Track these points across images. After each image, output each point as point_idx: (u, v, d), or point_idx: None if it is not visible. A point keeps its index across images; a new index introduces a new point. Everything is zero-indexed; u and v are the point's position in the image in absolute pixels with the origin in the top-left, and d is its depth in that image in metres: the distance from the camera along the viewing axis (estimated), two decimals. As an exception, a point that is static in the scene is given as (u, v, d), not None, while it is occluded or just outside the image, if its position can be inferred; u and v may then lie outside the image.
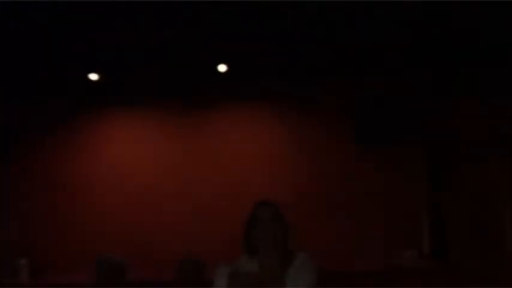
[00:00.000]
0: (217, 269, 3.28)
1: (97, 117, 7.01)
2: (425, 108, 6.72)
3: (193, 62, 6.52)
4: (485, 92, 6.48)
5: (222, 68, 6.71)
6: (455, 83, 6.56)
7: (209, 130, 7.04)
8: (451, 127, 6.69)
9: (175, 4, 5.35)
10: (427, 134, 6.81)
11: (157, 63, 6.55)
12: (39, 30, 5.61)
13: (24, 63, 6.31)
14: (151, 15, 5.54)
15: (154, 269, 6.26)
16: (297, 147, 7.04)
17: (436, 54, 6.46)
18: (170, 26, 5.75)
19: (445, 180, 6.74)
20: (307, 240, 4.24)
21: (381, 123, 6.65)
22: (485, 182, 6.44)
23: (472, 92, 6.56)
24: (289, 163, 7.03)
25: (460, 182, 6.62)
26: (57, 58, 6.29)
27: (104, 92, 6.86)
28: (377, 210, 6.91)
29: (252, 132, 6.99)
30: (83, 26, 5.66)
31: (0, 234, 6.65)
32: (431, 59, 6.51)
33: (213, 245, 6.26)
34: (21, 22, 5.39)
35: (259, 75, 6.72)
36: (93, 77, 6.73)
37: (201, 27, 5.75)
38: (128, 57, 6.34)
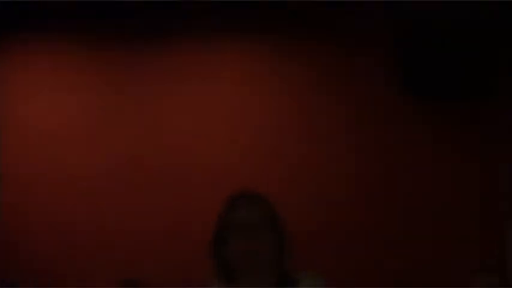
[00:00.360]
0: None
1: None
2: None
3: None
4: None
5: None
6: None
7: (169, 74, 5.80)
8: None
9: None
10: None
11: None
12: None
13: None
14: None
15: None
16: (310, 101, 5.74)
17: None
18: None
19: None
20: (320, 257, 4.60)
21: (442, 65, 5.21)
22: None
23: None
24: (297, 128, 5.76)
25: None
26: None
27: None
28: (433, 207, 5.56)
29: (244, 79, 5.77)
30: None
31: None
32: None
33: (166, 265, 5.28)
34: None
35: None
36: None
37: None
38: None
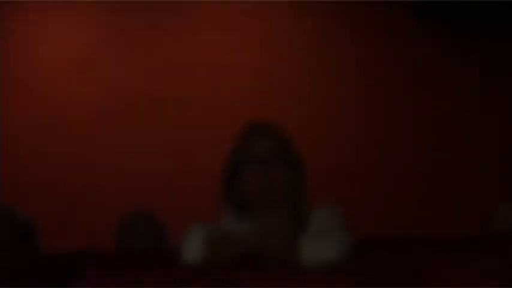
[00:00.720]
0: (189, 229, 2.31)
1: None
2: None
3: None
4: None
5: None
6: None
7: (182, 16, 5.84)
8: None
9: None
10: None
11: None
12: None
13: None
14: None
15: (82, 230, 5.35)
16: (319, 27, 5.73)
17: None
18: None
19: None
20: (338, 193, 4.62)
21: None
22: None
23: None
24: (307, 58, 5.74)
25: None
26: None
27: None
28: (454, 138, 5.62)
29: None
30: None
31: None
32: None
33: (177, 197, 5.39)
34: None
35: None
36: None
37: None
38: None
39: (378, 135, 5.69)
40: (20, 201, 5.14)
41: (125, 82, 5.77)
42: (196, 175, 5.38)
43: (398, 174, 5.61)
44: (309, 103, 5.73)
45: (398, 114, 5.70)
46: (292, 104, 5.68)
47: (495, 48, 5.61)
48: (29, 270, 2.33)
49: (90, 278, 2.22)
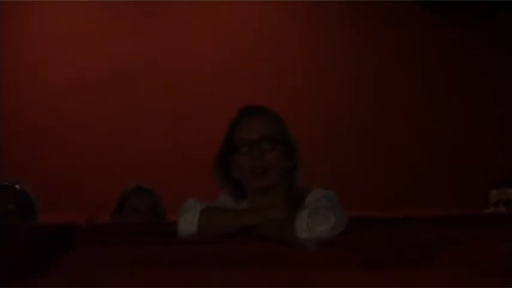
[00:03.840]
0: (186, 203, 2.31)
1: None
2: None
3: None
4: None
5: None
6: None
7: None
8: None
9: None
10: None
11: None
12: None
13: None
14: None
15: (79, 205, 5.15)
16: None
17: None
18: None
19: None
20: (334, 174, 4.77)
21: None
22: None
23: None
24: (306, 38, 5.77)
25: None
26: None
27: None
28: (450, 119, 5.72)
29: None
30: None
31: None
32: None
33: (174, 176, 5.44)
34: None
35: None
36: None
37: None
38: None
39: (374, 112, 5.70)
40: (19, 174, 5.16)
41: (123, 63, 5.79)
42: (193, 155, 5.41)
43: (395, 152, 5.62)
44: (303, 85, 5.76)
45: (397, 93, 5.72)
46: (286, 80, 5.70)
47: (495, 33, 5.67)
48: (24, 239, 2.31)
49: (85, 248, 2.22)
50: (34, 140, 5.70)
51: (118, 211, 3.63)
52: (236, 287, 2.03)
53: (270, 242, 2.17)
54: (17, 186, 3.42)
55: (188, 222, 2.28)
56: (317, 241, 2.14)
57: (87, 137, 5.70)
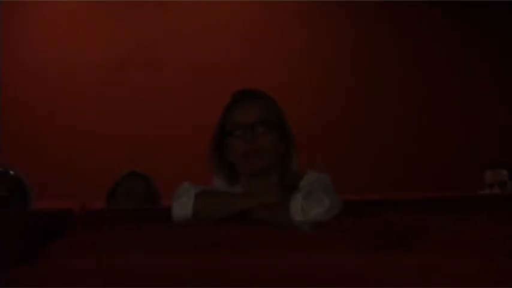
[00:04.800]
0: (180, 187, 2.28)
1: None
2: None
3: None
4: None
5: None
6: None
7: None
8: None
9: None
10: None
11: None
12: None
13: None
14: None
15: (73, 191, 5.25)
16: None
17: None
18: None
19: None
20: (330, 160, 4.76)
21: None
22: None
23: None
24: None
25: None
26: None
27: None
28: (446, 107, 5.66)
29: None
30: None
31: None
32: None
33: (171, 160, 5.47)
34: None
35: None
36: None
37: None
38: None
39: (369, 97, 5.66)
40: (14, 162, 5.13)
41: (118, 54, 5.78)
42: (187, 141, 5.41)
43: (387, 136, 5.58)
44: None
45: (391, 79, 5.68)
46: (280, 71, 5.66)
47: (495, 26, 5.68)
48: (17, 226, 2.28)
49: (78, 234, 2.19)
50: (33, 130, 5.67)
51: (111, 197, 3.58)
52: (232, 270, 2.00)
53: (265, 225, 2.14)
54: (11, 173, 3.38)
55: (183, 206, 2.25)
56: (311, 224, 2.12)
57: (83, 125, 5.66)
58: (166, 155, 5.56)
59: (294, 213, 2.13)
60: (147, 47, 5.75)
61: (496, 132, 5.59)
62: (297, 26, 5.81)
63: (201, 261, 1.98)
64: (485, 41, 5.73)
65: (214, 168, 2.41)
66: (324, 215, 2.14)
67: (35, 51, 5.78)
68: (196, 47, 5.74)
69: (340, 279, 1.94)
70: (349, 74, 5.75)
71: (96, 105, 5.71)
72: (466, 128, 5.63)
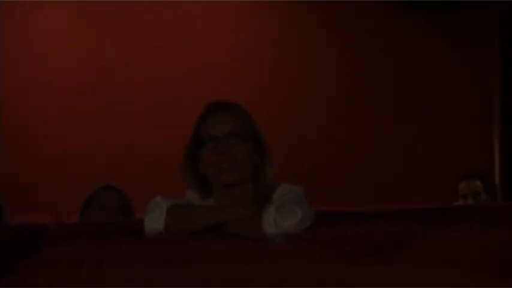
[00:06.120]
0: (152, 201, 2.27)
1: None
2: None
3: None
4: None
5: None
6: None
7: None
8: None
9: None
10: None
11: None
12: None
13: None
14: None
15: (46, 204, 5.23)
16: None
17: None
18: None
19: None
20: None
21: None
22: None
23: None
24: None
25: None
26: None
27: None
28: (422, 114, 5.68)
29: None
30: None
31: None
32: None
33: (139, 175, 5.43)
34: None
35: None
36: None
37: None
38: None
39: (350, 108, 5.68)
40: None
41: (98, 59, 5.72)
42: (161, 153, 5.38)
43: (365, 149, 5.60)
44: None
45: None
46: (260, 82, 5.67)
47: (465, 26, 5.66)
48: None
49: (52, 249, 2.18)
50: (8, 140, 5.65)
51: (85, 209, 3.57)
52: (205, 284, 2.01)
53: (237, 238, 2.15)
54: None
55: (155, 220, 2.24)
56: (284, 236, 2.12)
57: (72, 133, 5.65)
58: (142, 167, 5.55)
59: (267, 226, 2.13)
60: (132, 56, 5.74)
61: (473, 143, 5.64)
62: (282, 36, 5.82)
63: (174, 275, 1.99)
64: (471, 49, 5.77)
65: (188, 180, 2.41)
66: (297, 227, 2.14)
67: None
68: (181, 56, 5.72)
69: (312, 290, 1.95)
70: (335, 82, 5.77)
71: (83, 110, 5.70)
72: (439, 139, 5.66)
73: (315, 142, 5.62)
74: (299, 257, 2.08)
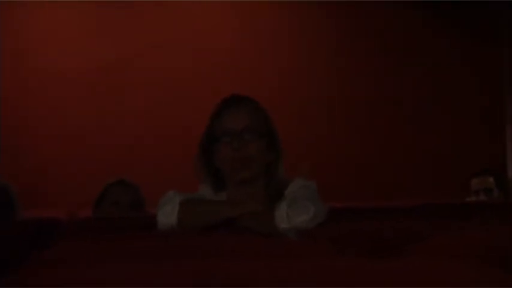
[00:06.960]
0: (165, 195, 2.27)
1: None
2: None
3: None
4: None
5: None
6: None
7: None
8: None
9: None
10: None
11: None
12: None
13: None
14: None
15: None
16: None
17: None
18: None
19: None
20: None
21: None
22: None
23: None
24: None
25: None
26: None
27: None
28: (433, 111, 5.63)
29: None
30: None
31: None
32: None
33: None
34: None
35: None
36: None
37: None
38: None
39: (356, 106, 5.67)
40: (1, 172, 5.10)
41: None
42: (173, 149, 5.36)
43: (375, 145, 5.59)
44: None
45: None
46: (270, 81, 5.68)
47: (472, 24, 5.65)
48: (4, 234, 2.27)
49: (65, 244, 2.19)
50: (19, 138, 5.66)
51: (97, 205, 3.58)
52: (218, 278, 2.01)
53: (250, 233, 2.15)
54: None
55: (167, 215, 2.24)
56: (297, 231, 2.12)
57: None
58: (153, 163, 5.55)
59: (279, 220, 2.13)
60: (135, 56, 5.73)
61: (486, 140, 5.62)
62: (284, 36, 5.81)
63: (187, 269, 1.99)
64: (481, 47, 5.76)
65: (201, 174, 2.40)
66: (309, 223, 2.14)
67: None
68: (182, 56, 5.71)
69: (325, 286, 1.95)
70: (336, 82, 5.76)
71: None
72: (455, 135, 5.64)
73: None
74: (311, 252, 2.08)
